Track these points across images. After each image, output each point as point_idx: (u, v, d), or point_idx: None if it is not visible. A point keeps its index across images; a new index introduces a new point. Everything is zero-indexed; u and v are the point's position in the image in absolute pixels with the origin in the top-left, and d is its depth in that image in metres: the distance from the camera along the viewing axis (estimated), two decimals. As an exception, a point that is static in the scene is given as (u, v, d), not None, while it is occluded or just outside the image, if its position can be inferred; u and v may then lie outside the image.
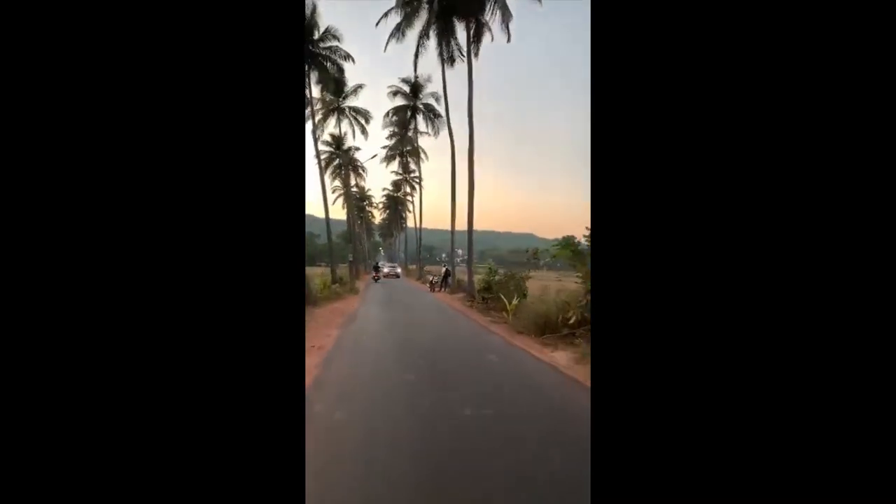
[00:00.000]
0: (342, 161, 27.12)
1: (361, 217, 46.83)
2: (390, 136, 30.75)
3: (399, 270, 29.32)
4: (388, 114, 25.31)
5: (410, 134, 27.75)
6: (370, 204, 48.57)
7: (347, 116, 23.02)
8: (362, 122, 23.08)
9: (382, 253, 79.36)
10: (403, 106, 25.08)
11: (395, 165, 33.35)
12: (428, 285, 19.21)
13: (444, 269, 18.61)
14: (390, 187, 45.87)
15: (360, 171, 34.80)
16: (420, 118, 25.45)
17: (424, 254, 40.91)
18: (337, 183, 31.89)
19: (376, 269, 26.12)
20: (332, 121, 22.81)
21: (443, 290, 17.35)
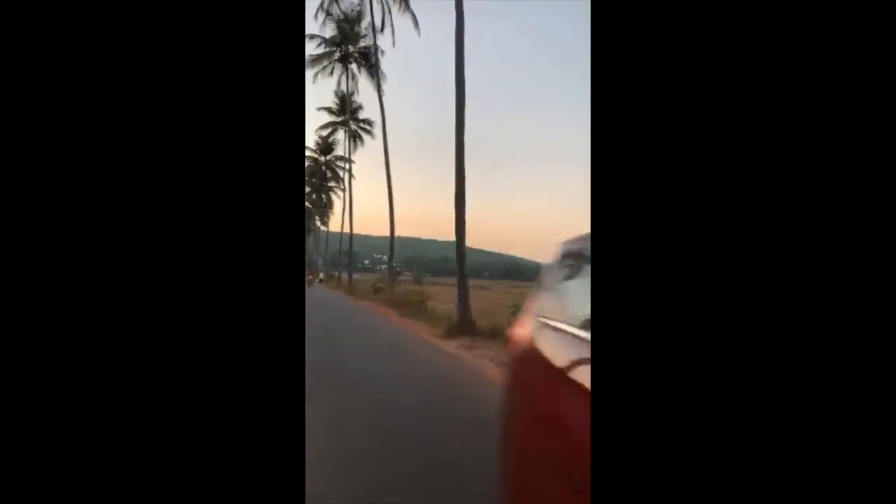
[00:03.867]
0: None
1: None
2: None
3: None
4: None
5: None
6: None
7: None
8: None
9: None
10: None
11: (327, 90, 18.00)
12: None
13: None
14: (312, 146, 27.09)
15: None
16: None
17: (345, 260, 30.76)
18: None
19: None
20: None
21: None
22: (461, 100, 8.84)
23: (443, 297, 14.41)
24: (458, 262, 8.52)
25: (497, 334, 7.50)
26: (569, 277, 1.56)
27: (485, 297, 11.05)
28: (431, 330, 8.77)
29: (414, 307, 11.82)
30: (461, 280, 8.49)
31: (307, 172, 30.43)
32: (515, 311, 7.62)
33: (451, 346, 7.22)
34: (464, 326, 7.96)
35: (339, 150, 25.15)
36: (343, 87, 19.83)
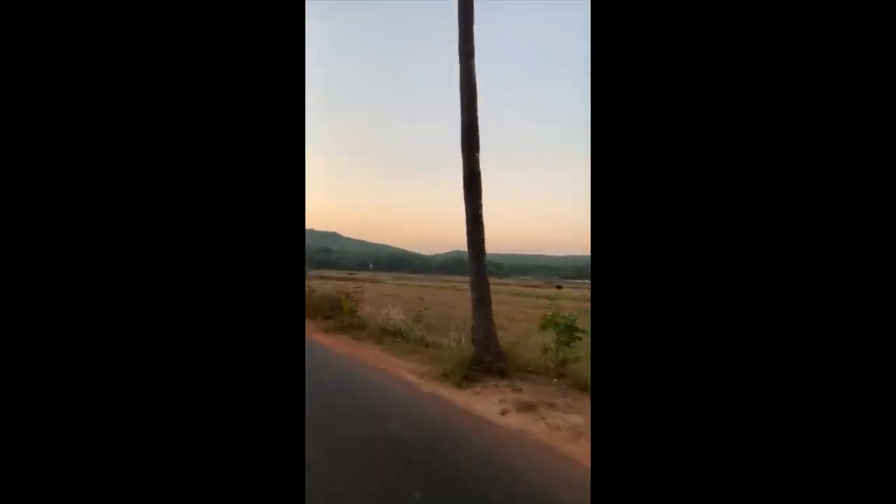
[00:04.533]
0: None
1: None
2: None
3: None
4: None
5: None
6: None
7: None
8: None
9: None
10: None
11: None
12: None
13: None
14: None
15: None
16: None
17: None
18: None
19: None
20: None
21: None
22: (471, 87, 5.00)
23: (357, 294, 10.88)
24: (473, 262, 5.03)
25: (539, 374, 4.48)
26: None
27: (407, 296, 7.50)
28: (406, 362, 4.93)
29: (346, 315, 8.22)
30: (479, 284, 4.98)
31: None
32: (559, 327, 4.70)
33: (485, 405, 3.48)
34: (485, 361, 4.48)
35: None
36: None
